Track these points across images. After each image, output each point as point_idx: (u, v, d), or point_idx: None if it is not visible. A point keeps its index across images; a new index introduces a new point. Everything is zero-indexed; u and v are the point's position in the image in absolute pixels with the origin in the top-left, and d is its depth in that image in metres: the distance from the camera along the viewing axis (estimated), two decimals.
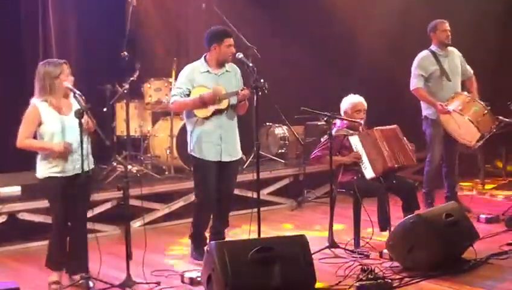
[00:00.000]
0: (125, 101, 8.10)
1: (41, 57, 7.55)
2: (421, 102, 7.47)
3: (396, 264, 5.73)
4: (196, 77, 6.01)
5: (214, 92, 5.86)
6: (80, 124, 5.23)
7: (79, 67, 7.57)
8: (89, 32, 8.54)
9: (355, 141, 6.52)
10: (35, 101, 5.35)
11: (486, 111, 7.08)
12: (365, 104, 6.69)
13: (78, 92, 5.35)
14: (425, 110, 7.45)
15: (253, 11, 9.06)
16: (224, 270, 4.83)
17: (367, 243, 6.31)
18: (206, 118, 5.98)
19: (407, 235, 5.67)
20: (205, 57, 6.10)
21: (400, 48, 8.70)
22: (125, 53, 7.76)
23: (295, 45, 9.41)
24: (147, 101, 8.33)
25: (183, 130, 6.85)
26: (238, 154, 6.22)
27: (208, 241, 6.08)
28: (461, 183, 8.50)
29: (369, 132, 6.57)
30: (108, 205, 7.24)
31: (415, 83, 7.37)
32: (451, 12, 8.28)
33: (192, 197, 7.25)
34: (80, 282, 5.38)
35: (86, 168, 5.27)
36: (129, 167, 7.72)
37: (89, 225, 5.64)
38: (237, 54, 6.04)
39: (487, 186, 9.18)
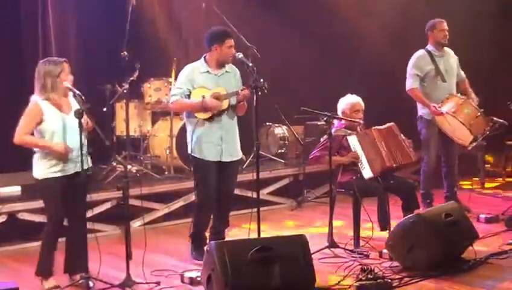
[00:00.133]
0: (124, 101, 8.10)
1: (41, 57, 7.53)
2: (417, 102, 7.49)
3: (396, 264, 5.73)
4: (196, 77, 6.01)
5: (215, 105, 5.87)
6: (80, 124, 5.23)
7: (79, 67, 7.56)
8: (89, 32, 8.55)
9: (353, 141, 6.52)
10: (37, 99, 5.34)
11: (479, 113, 7.08)
12: (363, 104, 6.70)
13: (77, 91, 5.35)
14: (421, 110, 7.46)
15: (253, 11, 9.06)
16: (224, 270, 4.83)
17: (367, 242, 6.31)
18: (207, 119, 5.99)
19: (406, 235, 5.67)
20: (205, 57, 6.10)
21: (400, 47, 8.68)
22: (125, 53, 7.76)
23: (295, 44, 9.42)
24: (147, 101, 8.33)
25: (183, 130, 6.85)
26: (239, 154, 6.23)
27: (207, 241, 6.08)
28: (461, 183, 8.51)
29: (367, 132, 6.58)
30: (108, 205, 7.24)
31: (411, 83, 7.38)
32: (451, 12, 8.29)
33: (191, 197, 7.25)
34: (80, 282, 5.38)
35: (85, 167, 5.27)
36: (129, 166, 7.73)
37: (89, 225, 5.64)
38: (237, 54, 6.04)
39: (487, 185, 9.18)
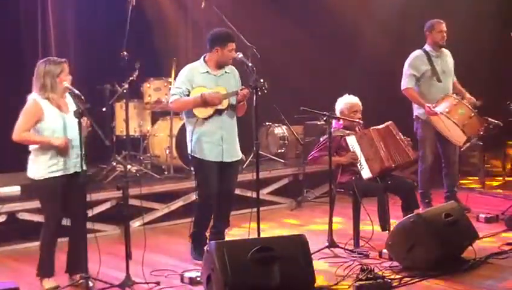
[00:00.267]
0: (124, 100, 8.09)
1: (40, 57, 7.53)
2: (413, 102, 7.50)
3: (395, 264, 5.73)
4: (195, 78, 6.01)
5: (215, 98, 5.86)
6: (79, 124, 5.23)
7: (79, 67, 7.58)
8: (89, 32, 8.55)
9: (352, 142, 6.53)
10: (36, 97, 5.33)
11: (473, 114, 7.08)
12: (361, 104, 6.70)
13: (77, 91, 5.34)
14: (417, 110, 7.47)
15: (253, 11, 9.06)
16: (223, 270, 4.83)
17: (366, 242, 6.31)
18: (206, 119, 5.98)
19: (406, 234, 5.67)
20: (204, 57, 6.09)
21: (400, 47, 8.68)
22: (125, 53, 7.76)
23: (295, 44, 9.43)
24: (147, 100, 8.33)
25: (183, 129, 6.85)
26: (239, 154, 6.23)
27: (207, 241, 6.08)
28: (461, 182, 8.51)
29: (366, 132, 6.57)
30: (107, 205, 7.24)
31: (406, 82, 7.39)
32: (451, 12, 8.30)
33: (191, 197, 7.25)
34: (80, 282, 5.38)
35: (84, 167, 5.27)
36: (128, 166, 7.74)
37: (89, 225, 5.63)
38: (237, 54, 6.04)
39: (487, 183, 9.19)
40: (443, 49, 7.49)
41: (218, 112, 5.99)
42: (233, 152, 6.14)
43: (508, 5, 9.66)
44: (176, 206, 7.73)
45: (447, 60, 7.52)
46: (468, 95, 7.46)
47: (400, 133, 6.64)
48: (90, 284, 5.32)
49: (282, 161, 8.79)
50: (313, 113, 6.51)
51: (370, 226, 6.32)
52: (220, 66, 6.05)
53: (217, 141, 6.01)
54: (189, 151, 6.09)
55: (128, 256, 5.44)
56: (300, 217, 7.96)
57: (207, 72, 6.04)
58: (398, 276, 5.47)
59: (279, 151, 9.01)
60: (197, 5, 8.46)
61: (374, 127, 6.61)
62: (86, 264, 5.37)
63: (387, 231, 6.20)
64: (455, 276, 5.48)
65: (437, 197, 7.59)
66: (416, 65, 7.39)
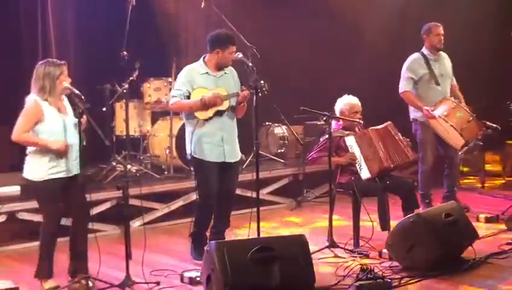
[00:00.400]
0: (124, 100, 8.10)
1: (40, 57, 7.54)
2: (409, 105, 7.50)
3: (395, 263, 5.73)
4: (196, 79, 6.00)
5: (215, 99, 5.86)
6: (79, 124, 5.23)
7: (79, 66, 7.58)
8: (89, 32, 8.55)
9: (351, 142, 6.53)
10: (36, 98, 5.33)
11: (471, 118, 7.06)
12: (360, 105, 6.70)
13: (77, 91, 5.34)
14: (415, 113, 7.45)
15: (253, 11, 9.06)
16: (223, 270, 4.83)
17: (366, 242, 6.31)
18: (207, 120, 5.98)
19: (406, 234, 5.67)
20: (204, 58, 6.09)
21: (400, 48, 8.68)
22: (125, 53, 7.76)
23: (295, 44, 9.42)
24: (147, 100, 8.34)
25: (183, 130, 6.84)
26: (239, 154, 6.23)
27: (208, 241, 6.08)
28: (461, 182, 8.51)
29: (365, 132, 6.57)
30: (107, 205, 7.24)
31: (404, 85, 7.38)
32: (451, 13, 8.30)
33: (191, 197, 7.26)
34: (80, 282, 5.37)
35: (76, 172, 5.30)
36: (128, 166, 7.74)
37: (89, 225, 5.64)
38: (237, 54, 6.03)
39: (487, 183, 9.19)
40: (441, 52, 7.49)
41: (219, 113, 5.99)
42: (234, 153, 6.15)
43: (508, 5, 9.67)
44: (176, 206, 7.73)
45: (444, 63, 7.52)
46: (463, 103, 7.43)
47: (399, 134, 6.64)
48: (90, 284, 5.31)
49: (282, 161, 8.80)
50: (313, 113, 6.51)
51: (370, 226, 6.31)
52: (219, 67, 6.06)
53: (218, 142, 6.01)
54: (188, 152, 6.09)
55: (128, 256, 5.44)
56: (300, 217, 7.96)
57: (207, 73, 6.03)
58: (398, 276, 5.47)
59: (279, 151, 9.01)
60: (197, 5, 8.46)
61: (373, 127, 6.61)
62: (86, 264, 5.37)
63: (387, 231, 6.20)
64: (455, 276, 5.48)
65: (437, 197, 7.59)
66: (414, 68, 7.38)
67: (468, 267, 5.66)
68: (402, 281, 5.37)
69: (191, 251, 6.23)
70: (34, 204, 6.63)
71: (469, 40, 9.12)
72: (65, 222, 5.58)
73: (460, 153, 7.28)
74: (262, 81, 5.75)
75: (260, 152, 6.93)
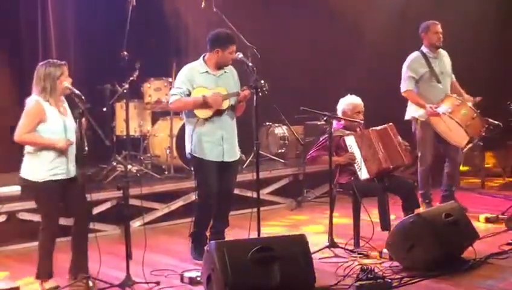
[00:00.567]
0: (124, 100, 8.10)
1: (40, 57, 7.55)
2: (408, 104, 7.49)
3: (395, 263, 5.73)
4: (196, 78, 6.00)
5: (215, 101, 5.86)
6: (80, 124, 5.23)
7: (79, 67, 7.58)
8: (89, 32, 8.55)
9: (351, 142, 6.52)
10: (38, 99, 5.33)
11: (475, 115, 7.08)
12: (363, 105, 6.70)
13: (77, 91, 5.34)
14: (415, 112, 7.45)
15: (253, 11, 9.06)
16: (223, 270, 4.83)
17: (367, 242, 6.31)
18: (207, 119, 5.98)
19: (406, 234, 5.67)
20: (204, 57, 6.09)
21: (400, 48, 8.69)
22: (125, 53, 7.76)
23: (295, 44, 9.42)
24: (147, 100, 8.34)
25: (183, 130, 6.84)
26: (238, 154, 6.23)
27: (208, 241, 6.08)
28: (461, 182, 8.51)
29: (365, 132, 6.57)
30: (108, 205, 7.24)
31: (406, 85, 7.39)
32: (451, 12, 8.30)
33: (191, 197, 7.25)
34: (80, 282, 5.38)
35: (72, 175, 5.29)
36: (129, 166, 7.73)
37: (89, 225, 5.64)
38: (237, 54, 6.03)
39: (487, 183, 9.18)
40: (440, 49, 7.49)
41: (219, 113, 5.99)
42: (234, 152, 6.15)
43: (508, 5, 9.67)
44: (176, 206, 7.73)
45: (444, 61, 7.52)
46: (466, 95, 7.46)
47: (399, 137, 6.62)
48: (90, 284, 5.32)
49: (282, 161, 8.80)
50: (313, 113, 6.50)
51: (370, 226, 6.31)
52: (219, 66, 6.06)
53: (218, 141, 6.01)
54: (188, 151, 6.09)
55: (128, 256, 5.44)
56: (301, 217, 7.96)
57: (206, 72, 6.04)
58: (398, 276, 5.46)
59: (279, 151, 9.01)
60: (197, 5, 8.46)
61: (373, 128, 6.61)
62: (86, 264, 5.37)
63: (387, 231, 6.20)
64: (455, 276, 5.48)
65: (437, 197, 7.59)
66: (414, 67, 7.38)
67: (468, 267, 5.65)
68: (402, 281, 5.36)
69: (191, 251, 6.23)
70: (34, 204, 6.64)
71: (469, 40, 9.12)
72: (65, 221, 5.58)
73: (463, 150, 7.28)
74: (262, 81, 5.75)
75: (260, 152, 6.93)
